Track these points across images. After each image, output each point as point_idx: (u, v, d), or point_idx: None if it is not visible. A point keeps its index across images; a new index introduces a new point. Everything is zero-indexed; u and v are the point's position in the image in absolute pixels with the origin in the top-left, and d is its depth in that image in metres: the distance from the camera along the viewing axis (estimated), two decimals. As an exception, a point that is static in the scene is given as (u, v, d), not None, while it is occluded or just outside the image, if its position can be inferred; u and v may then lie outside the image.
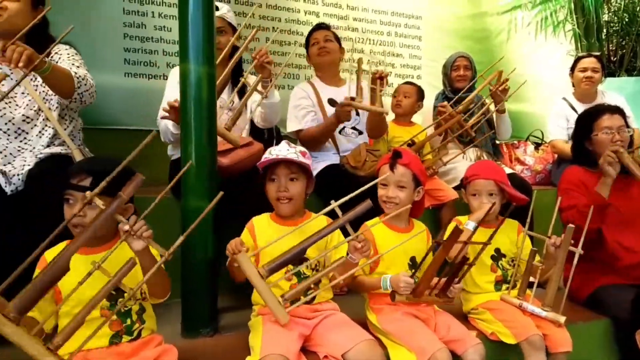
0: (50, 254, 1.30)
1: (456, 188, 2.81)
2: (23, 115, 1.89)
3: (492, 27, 4.34)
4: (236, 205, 1.87)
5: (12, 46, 1.51)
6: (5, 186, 1.76)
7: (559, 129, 3.37)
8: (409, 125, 3.13)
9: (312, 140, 2.53)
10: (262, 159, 1.65)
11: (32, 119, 1.90)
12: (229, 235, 1.53)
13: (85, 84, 1.90)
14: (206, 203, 1.71)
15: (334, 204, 1.42)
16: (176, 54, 3.11)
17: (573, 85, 3.45)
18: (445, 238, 1.61)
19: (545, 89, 4.41)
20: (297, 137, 2.61)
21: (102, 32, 2.90)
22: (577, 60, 3.42)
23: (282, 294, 1.46)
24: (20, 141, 1.88)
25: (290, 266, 1.55)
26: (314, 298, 1.61)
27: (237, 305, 1.98)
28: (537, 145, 3.73)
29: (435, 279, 1.62)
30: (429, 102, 3.28)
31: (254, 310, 1.66)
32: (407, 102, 3.09)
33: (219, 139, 1.89)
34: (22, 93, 1.92)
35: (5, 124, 1.86)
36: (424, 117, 3.42)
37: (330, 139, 2.58)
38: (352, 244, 1.46)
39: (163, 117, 2.00)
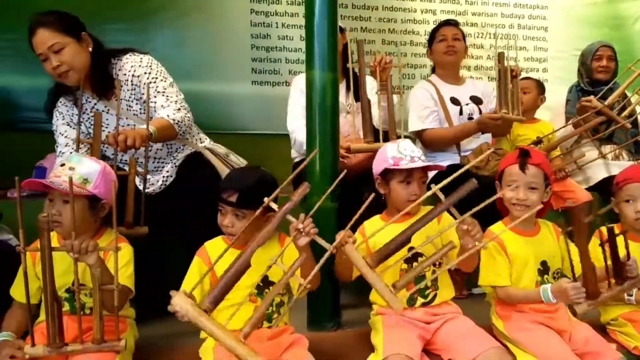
0: (210, 245, 1.51)
1: (589, 189, 2.60)
2: None
3: (626, 14, 3.92)
4: (355, 205, 1.92)
5: (122, 137, 1.65)
6: (148, 187, 1.95)
7: None
8: (533, 121, 2.95)
9: (442, 143, 2.47)
10: (396, 162, 1.62)
11: None
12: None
13: (184, 123, 1.93)
14: (330, 203, 1.81)
15: (434, 188, 1.39)
16: (298, 62, 3.27)
17: None
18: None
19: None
20: (417, 137, 2.58)
21: (231, 45, 3.16)
22: None
23: (393, 283, 1.45)
24: (168, 150, 2.08)
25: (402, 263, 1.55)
26: (434, 298, 1.60)
27: (357, 302, 2.03)
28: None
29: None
30: (558, 96, 3.06)
31: (373, 309, 1.69)
32: (527, 98, 2.92)
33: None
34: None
35: None
36: (553, 113, 3.19)
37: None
38: (460, 227, 1.40)
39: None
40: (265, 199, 1.26)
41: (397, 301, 1.38)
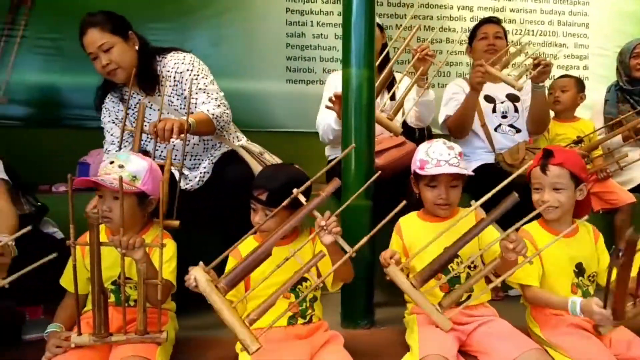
0: (243, 246, 1.50)
1: (632, 191, 2.51)
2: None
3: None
4: (388, 204, 1.91)
5: (162, 125, 1.71)
6: (186, 185, 2.01)
7: None
8: (573, 120, 2.87)
9: (458, 122, 2.44)
10: (422, 166, 1.61)
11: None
12: (385, 233, 1.56)
13: (222, 119, 1.98)
14: (364, 202, 1.81)
15: (474, 205, 1.39)
16: (332, 60, 3.28)
17: None
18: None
19: None
20: (445, 127, 2.55)
21: (267, 43, 3.20)
22: None
23: (439, 302, 1.45)
24: (205, 146, 2.12)
25: (442, 275, 1.54)
26: (468, 297, 1.58)
27: (391, 301, 2.02)
28: None
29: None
30: (599, 95, 2.98)
31: (408, 308, 1.69)
32: (565, 96, 2.84)
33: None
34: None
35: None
36: (593, 111, 3.10)
37: (485, 137, 2.49)
38: (503, 245, 1.38)
39: (327, 107, 2.09)
40: (294, 190, 1.28)
41: (445, 320, 1.39)
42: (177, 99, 2.04)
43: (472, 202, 1.40)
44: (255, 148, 2.17)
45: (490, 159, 2.43)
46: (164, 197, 1.71)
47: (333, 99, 2.02)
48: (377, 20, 2.35)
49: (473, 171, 2.33)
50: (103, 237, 1.45)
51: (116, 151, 1.94)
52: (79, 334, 1.33)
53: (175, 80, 2.03)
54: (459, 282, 1.57)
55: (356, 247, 1.29)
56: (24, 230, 1.23)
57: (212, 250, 1.79)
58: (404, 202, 1.33)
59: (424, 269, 1.43)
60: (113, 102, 2.07)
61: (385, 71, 2.17)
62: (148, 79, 2.00)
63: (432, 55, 2.11)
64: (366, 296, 1.84)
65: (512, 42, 2.45)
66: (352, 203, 1.78)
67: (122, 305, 1.33)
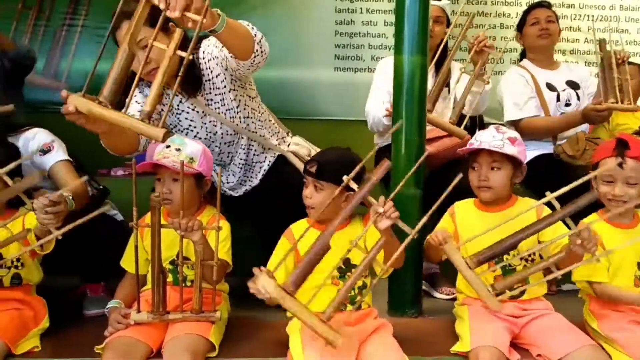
0: (295, 226, 1.57)
1: None
2: (227, 142, 1.91)
3: None
4: (439, 193, 1.89)
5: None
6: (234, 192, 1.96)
7: None
8: (636, 109, 2.72)
9: (542, 133, 2.36)
10: (468, 146, 1.62)
11: (233, 140, 1.92)
12: (433, 221, 1.56)
13: (263, 49, 1.66)
14: (415, 190, 1.79)
15: (549, 196, 1.34)
16: (381, 47, 3.25)
17: None
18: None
19: None
20: (514, 126, 2.47)
21: (315, 31, 3.20)
22: None
23: (492, 284, 1.44)
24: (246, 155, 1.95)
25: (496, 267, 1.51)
26: (522, 292, 1.55)
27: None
28: None
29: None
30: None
31: (458, 298, 1.66)
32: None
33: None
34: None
35: (224, 144, 1.91)
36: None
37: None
38: (573, 239, 1.35)
39: (385, 116, 2.05)
40: (345, 177, 1.28)
41: (496, 302, 1.37)
42: (217, 95, 1.83)
43: (547, 193, 1.36)
44: (303, 150, 2.00)
45: (548, 148, 2.34)
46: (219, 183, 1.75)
47: (390, 109, 1.96)
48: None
49: (530, 161, 2.26)
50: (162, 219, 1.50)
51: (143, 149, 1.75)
52: (138, 311, 1.40)
53: (209, 69, 1.79)
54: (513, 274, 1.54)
55: (417, 227, 1.29)
56: (96, 213, 1.30)
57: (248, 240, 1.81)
58: (460, 176, 1.32)
59: (483, 252, 1.41)
60: (140, 96, 1.82)
61: (444, 66, 2.11)
62: (191, 81, 1.77)
63: (490, 47, 2.04)
64: (414, 285, 1.83)
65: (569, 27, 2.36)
66: (402, 192, 1.78)
67: (179, 284, 1.38)
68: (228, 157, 1.94)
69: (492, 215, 1.54)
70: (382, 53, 3.23)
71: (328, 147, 2.13)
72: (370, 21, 3.24)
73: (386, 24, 3.20)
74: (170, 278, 1.51)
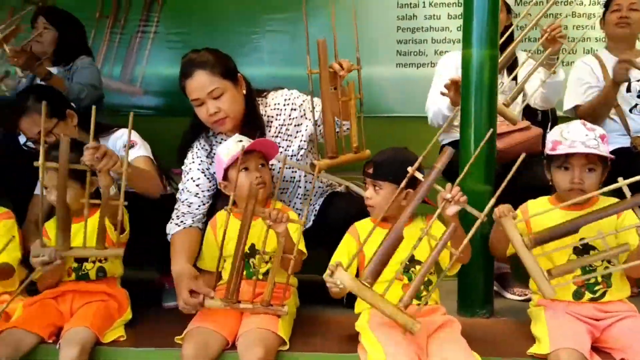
0: (360, 224, 1.59)
1: None
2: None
3: None
4: (509, 189, 1.83)
5: None
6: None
7: None
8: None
9: (592, 113, 2.24)
10: (554, 147, 1.50)
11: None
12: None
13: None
14: (483, 187, 1.75)
15: (622, 182, 1.30)
16: (444, 41, 3.19)
17: None
18: None
19: None
20: (574, 115, 2.36)
21: (377, 29, 3.18)
22: None
23: (549, 269, 1.38)
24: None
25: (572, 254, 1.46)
26: (603, 294, 1.48)
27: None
28: None
29: None
30: None
31: (534, 299, 1.60)
32: None
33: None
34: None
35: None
36: None
37: (619, 119, 2.27)
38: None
39: (442, 94, 1.97)
40: (409, 169, 1.30)
41: (549, 288, 1.31)
42: (284, 140, 1.83)
43: (620, 179, 1.30)
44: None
45: (625, 142, 2.22)
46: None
47: (448, 84, 1.94)
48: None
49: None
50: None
51: (199, 206, 1.75)
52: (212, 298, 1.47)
53: (283, 119, 1.82)
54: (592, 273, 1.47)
55: (486, 209, 1.27)
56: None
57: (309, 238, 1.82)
58: (523, 155, 1.32)
59: (543, 232, 1.38)
60: (205, 149, 1.82)
61: (508, 50, 2.05)
62: (255, 127, 1.77)
63: (563, 37, 1.95)
64: (485, 284, 1.79)
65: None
66: (472, 188, 1.75)
67: (252, 277, 1.43)
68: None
69: (569, 214, 1.46)
70: (445, 47, 3.16)
71: (389, 144, 2.15)
72: (433, 15, 3.19)
73: (450, 17, 3.14)
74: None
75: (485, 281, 1.78)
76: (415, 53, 3.22)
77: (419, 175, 1.31)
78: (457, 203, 1.30)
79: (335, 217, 1.77)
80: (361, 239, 1.48)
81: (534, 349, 1.43)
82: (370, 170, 1.51)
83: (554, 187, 1.56)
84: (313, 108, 1.62)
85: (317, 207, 1.89)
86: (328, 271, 1.29)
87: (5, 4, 2.46)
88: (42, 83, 2.29)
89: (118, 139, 1.92)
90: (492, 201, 1.30)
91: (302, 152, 1.85)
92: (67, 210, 1.50)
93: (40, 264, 1.46)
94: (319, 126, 1.65)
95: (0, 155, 1.80)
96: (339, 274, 1.25)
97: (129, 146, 1.53)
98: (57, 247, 1.48)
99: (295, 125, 1.84)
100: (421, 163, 1.35)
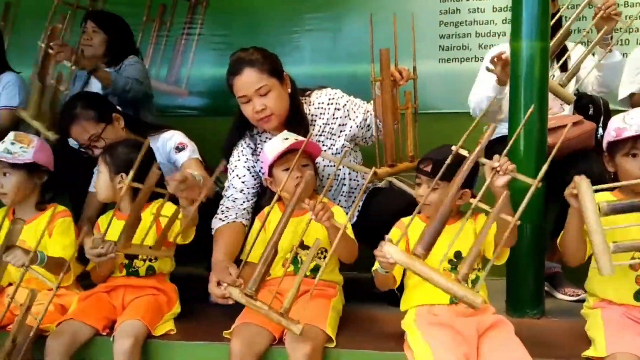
0: (407, 219, 1.50)
1: None
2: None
3: None
4: (560, 186, 1.76)
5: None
6: None
7: None
8: None
9: None
10: (619, 134, 1.41)
11: None
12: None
13: None
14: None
15: None
16: (488, 35, 3.11)
17: None
18: None
19: None
20: (628, 104, 2.25)
21: (419, 24, 3.09)
22: None
23: (615, 241, 1.26)
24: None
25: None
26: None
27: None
28: None
29: None
30: None
31: (589, 300, 1.54)
32: None
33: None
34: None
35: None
36: None
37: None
38: None
39: (488, 69, 1.92)
40: (453, 147, 1.26)
41: (609, 265, 1.20)
42: (328, 139, 1.86)
43: None
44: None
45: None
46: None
47: (494, 58, 1.86)
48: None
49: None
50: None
51: (243, 202, 1.80)
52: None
53: (327, 118, 1.85)
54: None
55: (540, 174, 1.21)
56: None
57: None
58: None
59: (619, 201, 1.31)
60: (251, 147, 1.86)
61: (555, 38, 1.97)
62: (299, 125, 1.78)
63: (618, 14, 1.87)
64: (535, 283, 1.73)
65: None
66: (522, 184, 1.69)
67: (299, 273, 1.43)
68: None
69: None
70: (490, 41, 3.07)
71: (434, 141, 2.11)
72: (478, 8, 3.10)
73: (495, 9, 3.04)
74: (291, 268, 1.56)
75: (535, 279, 1.73)
76: (458, 47, 3.13)
77: (464, 152, 1.27)
78: (506, 173, 1.24)
79: (378, 213, 1.77)
80: (409, 235, 1.46)
81: (589, 352, 1.37)
82: (429, 169, 1.47)
83: (617, 179, 1.46)
84: (375, 115, 1.72)
85: (360, 204, 1.88)
86: (379, 247, 1.27)
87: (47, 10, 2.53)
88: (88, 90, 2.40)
89: (167, 139, 1.99)
90: (545, 167, 1.22)
91: (343, 151, 1.85)
92: (139, 221, 1.56)
93: (96, 255, 1.51)
94: (379, 132, 1.76)
95: (57, 156, 1.88)
96: (390, 249, 1.22)
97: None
98: (117, 243, 1.53)
99: (339, 125, 1.87)
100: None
